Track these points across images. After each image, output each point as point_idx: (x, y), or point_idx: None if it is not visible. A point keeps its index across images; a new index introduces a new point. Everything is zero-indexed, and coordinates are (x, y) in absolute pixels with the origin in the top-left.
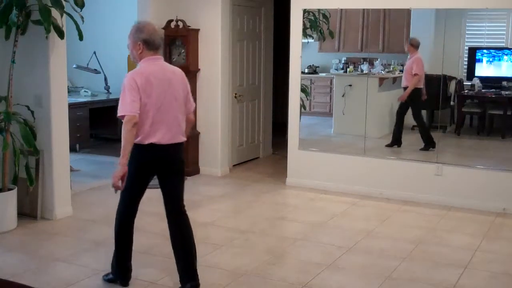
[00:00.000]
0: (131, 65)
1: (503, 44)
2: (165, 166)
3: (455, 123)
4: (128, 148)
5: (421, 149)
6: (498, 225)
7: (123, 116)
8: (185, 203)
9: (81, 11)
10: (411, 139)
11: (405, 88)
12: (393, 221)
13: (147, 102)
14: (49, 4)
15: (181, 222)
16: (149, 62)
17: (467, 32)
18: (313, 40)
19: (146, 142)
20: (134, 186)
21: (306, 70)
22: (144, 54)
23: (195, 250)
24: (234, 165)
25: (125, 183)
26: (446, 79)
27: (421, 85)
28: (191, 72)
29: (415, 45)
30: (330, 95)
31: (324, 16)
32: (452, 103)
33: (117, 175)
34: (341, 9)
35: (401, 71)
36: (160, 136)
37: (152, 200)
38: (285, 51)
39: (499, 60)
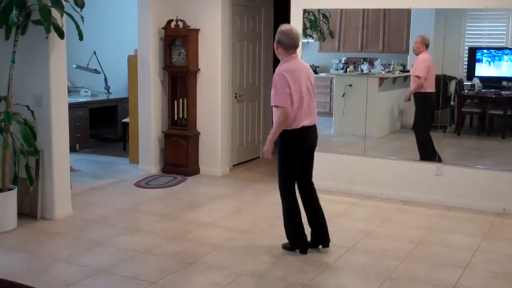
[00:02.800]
0: (131, 65)
1: (503, 44)
2: (311, 143)
3: (455, 123)
4: (278, 133)
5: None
6: (498, 225)
7: (277, 106)
8: (185, 203)
9: (81, 11)
10: (412, 139)
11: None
12: (393, 221)
13: (293, 93)
14: (49, 4)
15: (313, 189)
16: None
17: (467, 32)
18: (313, 40)
19: (300, 126)
20: (295, 162)
21: None
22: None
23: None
24: (234, 165)
25: (286, 162)
26: (446, 79)
27: (429, 89)
28: (191, 72)
29: (427, 44)
30: (330, 95)
31: (324, 16)
32: (452, 103)
33: (269, 150)
34: (341, 9)
35: (401, 71)
36: (309, 120)
37: (153, 200)
38: None
39: (499, 60)
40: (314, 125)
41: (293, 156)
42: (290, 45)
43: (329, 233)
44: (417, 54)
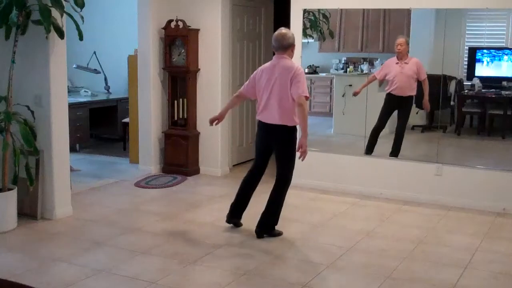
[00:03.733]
0: (131, 65)
1: (503, 44)
2: None
3: (455, 123)
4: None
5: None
6: (498, 225)
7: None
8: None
9: (81, 11)
10: (412, 138)
11: (405, 98)
12: (393, 221)
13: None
14: (49, 4)
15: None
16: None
17: (467, 32)
18: (313, 40)
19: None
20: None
21: (306, 70)
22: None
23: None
24: (234, 165)
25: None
26: (446, 79)
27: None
28: (191, 72)
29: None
30: (330, 95)
31: (324, 16)
32: (452, 103)
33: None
34: (341, 9)
35: None
36: None
37: (153, 200)
38: None
39: (499, 60)
40: None
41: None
42: (273, 47)
43: (328, 233)
44: (401, 57)
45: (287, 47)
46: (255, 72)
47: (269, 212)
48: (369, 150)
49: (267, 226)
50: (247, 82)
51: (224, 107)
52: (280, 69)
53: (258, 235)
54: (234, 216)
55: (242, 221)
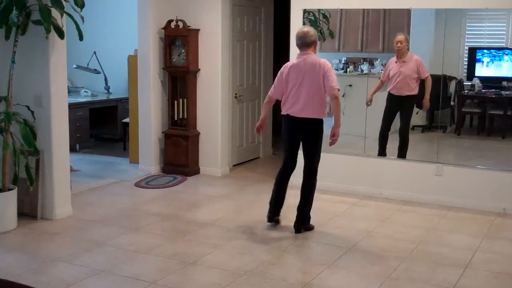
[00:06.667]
0: (131, 65)
1: (503, 44)
2: None
3: (455, 123)
4: None
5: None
6: (498, 225)
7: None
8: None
9: (81, 11)
10: (412, 139)
11: (404, 97)
12: (393, 221)
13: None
14: (49, 4)
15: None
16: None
17: (467, 32)
18: None
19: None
20: None
21: None
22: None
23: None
24: (234, 165)
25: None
26: (446, 79)
27: None
28: (191, 72)
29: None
30: None
31: (324, 16)
32: (452, 103)
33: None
34: (341, 9)
35: None
36: None
37: (153, 200)
38: (285, 51)
39: (499, 60)
40: None
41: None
42: (297, 45)
43: (328, 233)
44: (401, 55)
45: (310, 43)
46: (280, 72)
47: (305, 206)
48: (382, 152)
49: (305, 220)
50: (274, 84)
51: (263, 114)
52: (309, 65)
53: (297, 230)
54: (275, 214)
55: (242, 222)
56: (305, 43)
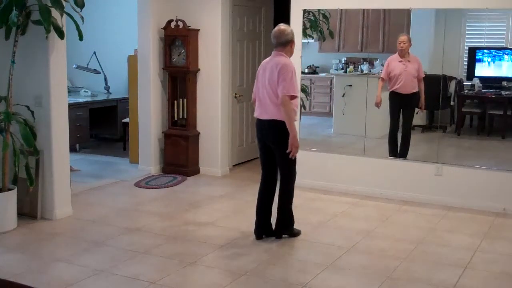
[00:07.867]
0: (131, 65)
1: (503, 44)
2: None
3: (455, 123)
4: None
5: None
6: (498, 225)
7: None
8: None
9: (81, 11)
10: (412, 138)
11: (409, 95)
12: (393, 221)
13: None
14: (49, 4)
15: None
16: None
17: (467, 32)
18: (313, 40)
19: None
20: None
21: (306, 70)
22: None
23: None
24: (234, 165)
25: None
26: (446, 79)
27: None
28: (191, 72)
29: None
30: (330, 95)
31: (324, 16)
32: (452, 103)
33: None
34: (341, 9)
35: None
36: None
37: (152, 200)
38: None
39: (499, 60)
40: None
41: None
42: (272, 44)
43: (328, 233)
44: (404, 55)
45: (285, 43)
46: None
47: (280, 211)
48: (393, 152)
49: (282, 225)
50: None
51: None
52: (271, 65)
53: (276, 235)
54: (261, 233)
55: (242, 222)
56: (279, 43)
